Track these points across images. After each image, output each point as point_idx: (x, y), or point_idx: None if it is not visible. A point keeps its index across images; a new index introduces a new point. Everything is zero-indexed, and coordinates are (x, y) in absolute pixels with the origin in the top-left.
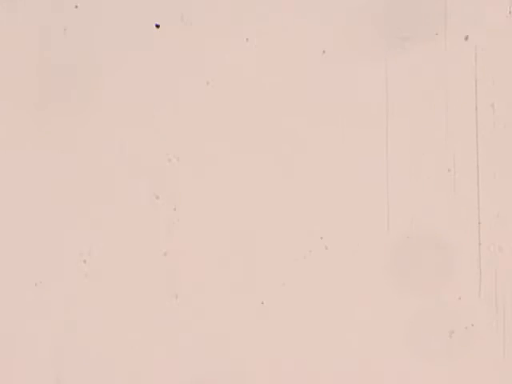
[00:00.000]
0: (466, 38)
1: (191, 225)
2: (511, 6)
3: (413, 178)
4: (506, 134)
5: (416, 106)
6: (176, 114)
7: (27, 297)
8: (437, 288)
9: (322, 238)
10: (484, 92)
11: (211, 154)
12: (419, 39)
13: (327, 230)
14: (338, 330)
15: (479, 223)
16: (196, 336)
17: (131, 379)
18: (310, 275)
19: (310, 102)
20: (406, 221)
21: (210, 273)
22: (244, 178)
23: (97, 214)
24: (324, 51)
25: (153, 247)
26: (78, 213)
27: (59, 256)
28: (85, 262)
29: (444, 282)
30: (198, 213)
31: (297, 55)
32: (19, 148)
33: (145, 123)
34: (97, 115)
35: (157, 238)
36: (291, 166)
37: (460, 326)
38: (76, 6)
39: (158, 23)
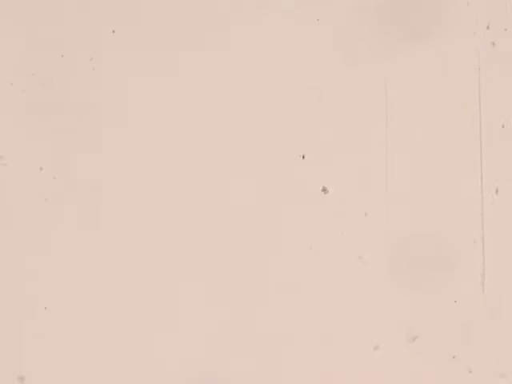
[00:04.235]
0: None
1: None
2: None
3: (413, 177)
4: (509, 133)
5: (416, 105)
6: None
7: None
8: (437, 287)
9: (322, 237)
10: (486, 91)
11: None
12: (419, 39)
13: (327, 230)
14: (337, 329)
15: (482, 221)
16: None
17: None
18: (309, 274)
19: (309, 101)
20: (405, 220)
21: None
22: (237, 162)
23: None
24: (323, 51)
25: None
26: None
27: None
28: None
29: (444, 281)
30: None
31: (296, 56)
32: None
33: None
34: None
35: None
36: (290, 166)
37: (460, 325)
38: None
39: None
